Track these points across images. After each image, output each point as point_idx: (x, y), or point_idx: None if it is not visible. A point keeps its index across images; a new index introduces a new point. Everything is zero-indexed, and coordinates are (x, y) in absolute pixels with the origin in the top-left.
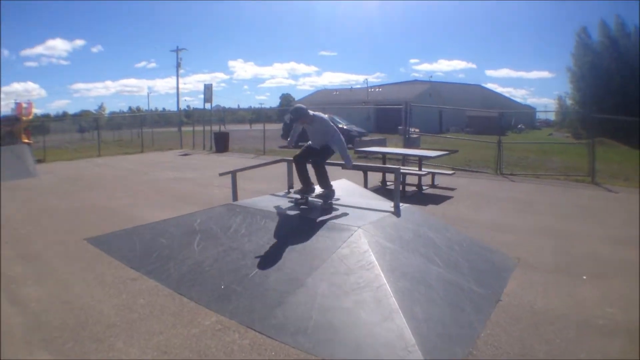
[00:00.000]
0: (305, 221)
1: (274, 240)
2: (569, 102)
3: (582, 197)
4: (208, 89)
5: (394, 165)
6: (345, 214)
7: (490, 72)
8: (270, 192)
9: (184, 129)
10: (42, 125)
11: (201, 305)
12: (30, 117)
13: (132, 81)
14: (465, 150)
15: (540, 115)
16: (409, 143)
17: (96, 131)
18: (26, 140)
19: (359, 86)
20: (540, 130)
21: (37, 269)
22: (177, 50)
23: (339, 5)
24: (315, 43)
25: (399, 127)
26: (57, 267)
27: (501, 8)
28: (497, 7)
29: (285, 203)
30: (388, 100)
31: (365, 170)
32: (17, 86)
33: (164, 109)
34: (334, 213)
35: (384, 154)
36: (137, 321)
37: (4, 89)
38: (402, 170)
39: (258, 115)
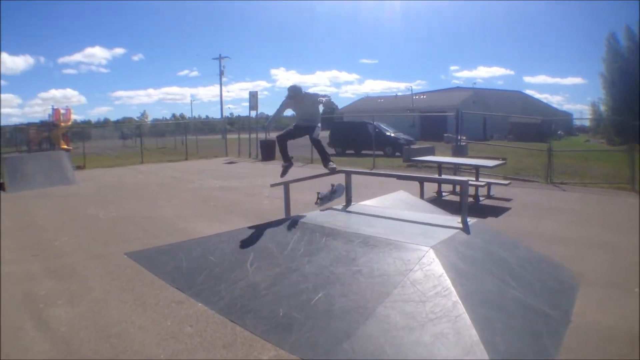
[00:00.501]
0: (370, 240)
1: (337, 261)
2: (602, 108)
3: (630, 207)
4: (253, 96)
5: (446, 175)
6: (411, 232)
7: (528, 79)
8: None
9: (228, 136)
10: (83, 131)
11: (257, 336)
12: (69, 123)
13: (174, 89)
14: (512, 158)
15: (576, 122)
16: (458, 151)
17: (138, 138)
18: (65, 147)
19: (400, 93)
20: (577, 137)
21: (69, 287)
22: (220, 58)
23: (380, 12)
24: (357, 51)
25: (445, 135)
26: (92, 285)
27: (537, 12)
28: (533, 11)
29: (346, 219)
30: (432, 107)
31: (423, 181)
32: (55, 92)
33: (207, 116)
34: (399, 229)
35: (439, 163)
36: (184, 353)
37: (41, 94)
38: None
39: None
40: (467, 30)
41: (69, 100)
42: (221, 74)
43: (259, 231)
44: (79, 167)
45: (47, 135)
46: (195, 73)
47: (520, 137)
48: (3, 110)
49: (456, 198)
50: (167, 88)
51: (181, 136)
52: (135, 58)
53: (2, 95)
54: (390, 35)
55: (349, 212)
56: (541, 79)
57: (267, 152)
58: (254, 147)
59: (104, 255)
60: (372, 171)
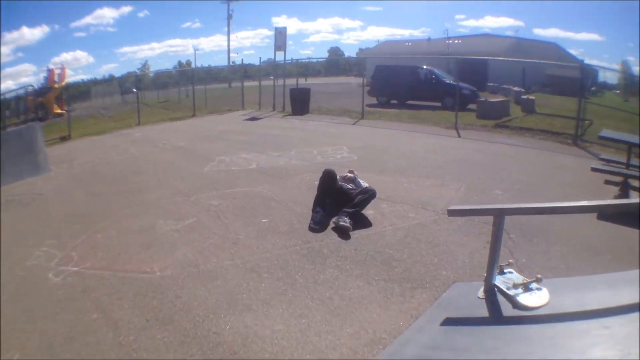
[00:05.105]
0: None
1: None
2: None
3: None
4: (280, 33)
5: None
6: None
7: (538, 31)
8: None
9: (246, 84)
10: (79, 91)
11: None
12: (63, 84)
13: (177, 41)
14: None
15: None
16: (528, 106)
17: (139, 92)
18: (58, 111)
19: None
20: (608, 94)
21: None
22: (229, 0)
23: None
24: None
25: (489, 84)
26: None
27: None
28: None
29: None
30: (471, 53)
31: None
32: (66, 56)
33: (210, 65)
34: None
35: (630, 144)
36: None
37: (54, 59)
38: None
39: (306, 69)
40: None
41: (78, 62)
42: (229, 17)
43: None
44: (62, 139)
45: (40, 101)
46: (197, 24)
47: (558, 91)
48: (22, 80)
49: None
50: (170, 40)
51: (185, 87)
52: (141, 15)
53: (20, 67)
54: None
55: None
56: (553, 32)
57: (299, 103)
58: (280, 97)
59: None
60: None
